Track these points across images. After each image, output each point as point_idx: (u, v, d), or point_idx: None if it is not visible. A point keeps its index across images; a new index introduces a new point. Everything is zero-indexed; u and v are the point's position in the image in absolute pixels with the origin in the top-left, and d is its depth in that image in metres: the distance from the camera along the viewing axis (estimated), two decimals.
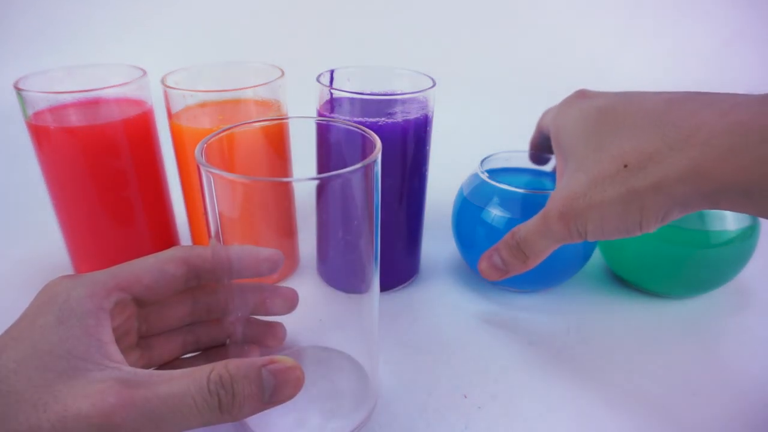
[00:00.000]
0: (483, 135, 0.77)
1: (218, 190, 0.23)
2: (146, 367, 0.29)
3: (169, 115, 0.41)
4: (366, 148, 0.26)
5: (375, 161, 0.24)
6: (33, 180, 0.46)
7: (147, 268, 0.27)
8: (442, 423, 0.32)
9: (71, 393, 0.20)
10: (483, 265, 0.35)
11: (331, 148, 0.34)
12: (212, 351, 0.32)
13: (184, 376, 0.22)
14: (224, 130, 0.27)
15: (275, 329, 0.30)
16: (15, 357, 0.21)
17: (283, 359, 0.23)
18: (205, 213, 0.25)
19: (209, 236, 0.25)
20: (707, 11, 0.92)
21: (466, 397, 0.34)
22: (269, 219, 0.25)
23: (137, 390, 0.21)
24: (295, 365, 0.24)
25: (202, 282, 0.29)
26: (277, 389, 0.23)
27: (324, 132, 0.34)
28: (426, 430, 0.32)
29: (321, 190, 0.24)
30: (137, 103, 0.41)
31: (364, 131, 0.27)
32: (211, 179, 0.23)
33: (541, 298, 0.44)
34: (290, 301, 0.29)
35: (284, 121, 0.37)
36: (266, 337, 0.30)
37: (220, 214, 0.24)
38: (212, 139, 0.26)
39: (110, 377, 0.21)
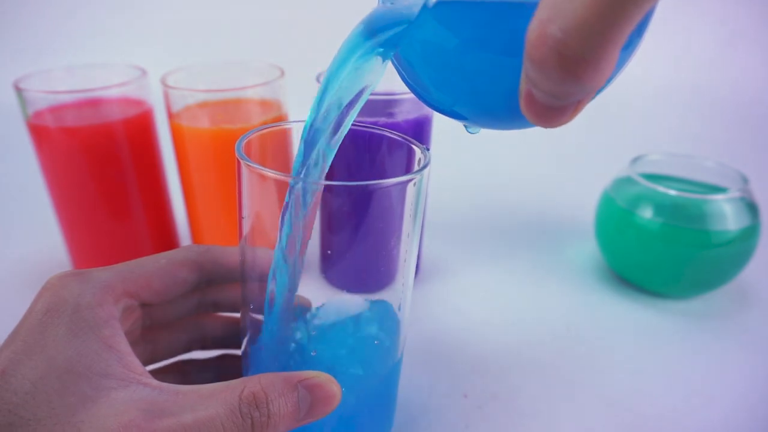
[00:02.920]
0: (483, 134, 0.77)
1: (257, 191, 0.22)
2: (150, 361, 0.28)
3: (169, 115, 0.41)
4: (410, 159, 0.25)
5: (426, 169, 0.23)
6: (33, 180, 0.46)
7: (158, 271, 0.25)
8: (442, 423, 0.32)
9: (93, 425, 0.19)
10: (532, 115, 0.17)
11: (367, 156, 0.33)
12: (223, 358, 0.31)
13: (212, 397, 0.20)
14: (261, 129, 0.26)
15: None
16: (31, 377, 0.19)
17: (317, 374, 0.22)
18: (241, 214, 0.24)
19: (240, 237, 0.25)
20: (707, 11, 0.92)
21: (466, 397, 0.34)
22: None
23: (161, 420, 0.19)
24: (330, 379, 0.22)
25: (212, 284, 0.28)
26: (312, 406, 0.22)
27: (363, 139, 0.32)
28: (426, 430, 0.32)
29: (375, 196, 0.22)
30: (137, 103, 0.41)
31: (411, 142, 0.26)
32: (247, 176, 0.22)
33: (541, 298, 0.44)
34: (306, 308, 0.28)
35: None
36: None
37: (257, 214, 0.23)
38: (251, 136, 0.25)
39: (133, 400, 0.20)
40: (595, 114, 0.83)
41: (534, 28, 0.15)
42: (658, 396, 0.34)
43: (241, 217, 0.24)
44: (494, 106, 0.20)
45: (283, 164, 0.32)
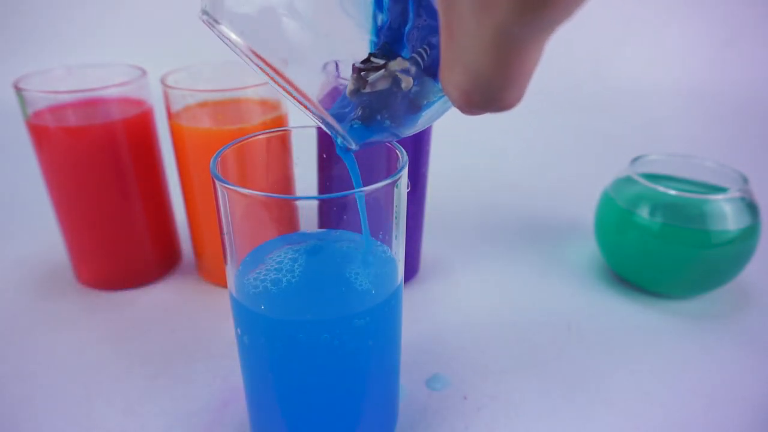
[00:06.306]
0: (483, 134, 0.77)
1: (236, 209, 0.23)
2: None
3: (169, 115, 0.41)
4: (390, 159, 0.26)
5: (403, 174, 0.24)
6: (33, 180, 0.46)
7: None
8: (442, 424, 0.32)
9: None
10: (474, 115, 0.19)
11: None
12: None
13: None
14: (239, 141, 0.27)
15: None
16: None
17: None
18: (222, 231, 0.24)
19: (224, 252, 0.25)
20: (707, 11, 0.92)
21: (466, 398, 0.34)
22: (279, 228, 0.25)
23: None
24: None
25: None
26: None
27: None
28: (426, 430, 0.32)
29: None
30: (137, 103, 0.41)
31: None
32: (226, 196, 0.23)
33: (541, 298, 0.44)
34: None
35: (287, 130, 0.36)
36: None
37: (235, 230, 0.24)
38: (226, 150, 0.26)
39: None
40: (595, 114, 0.83)
41: (457, 95, 0.16)
42: (658, 396, 0.34)
43: (222, 234, 0.25)
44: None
45: (264, 175, 0.33)
